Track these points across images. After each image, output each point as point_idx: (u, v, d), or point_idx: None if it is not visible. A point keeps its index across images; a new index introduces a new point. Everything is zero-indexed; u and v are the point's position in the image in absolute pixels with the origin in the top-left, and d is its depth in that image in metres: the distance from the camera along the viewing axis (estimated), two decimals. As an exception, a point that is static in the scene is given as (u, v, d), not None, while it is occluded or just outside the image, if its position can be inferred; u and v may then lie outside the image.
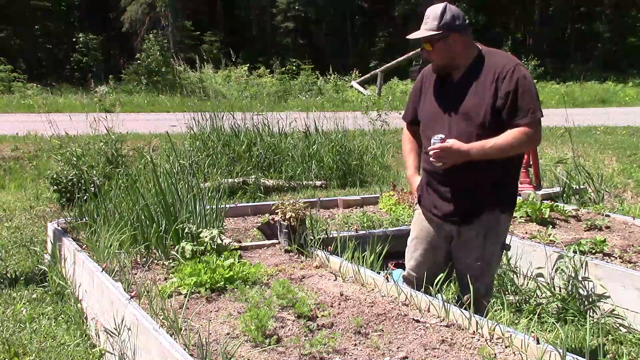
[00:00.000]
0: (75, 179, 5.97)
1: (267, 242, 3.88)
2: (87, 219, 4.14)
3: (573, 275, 3.84)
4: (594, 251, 4.08)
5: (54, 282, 3.96)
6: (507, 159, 2.79)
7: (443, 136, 2.71)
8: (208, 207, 3.94)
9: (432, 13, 2.74)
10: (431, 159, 2.74)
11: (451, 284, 3.57)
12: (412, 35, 2.82)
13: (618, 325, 3.63)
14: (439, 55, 2.79)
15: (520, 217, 4.86)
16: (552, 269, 3.98)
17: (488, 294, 3.06)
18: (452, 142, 2.69)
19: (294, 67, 19.54)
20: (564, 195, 5.91)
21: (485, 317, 2.57)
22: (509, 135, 2.67)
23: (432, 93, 2.91)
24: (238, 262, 3.31)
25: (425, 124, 2.93)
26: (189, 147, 7.42)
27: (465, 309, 2.56)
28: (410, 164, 3.13)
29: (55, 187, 6.06)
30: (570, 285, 3.85)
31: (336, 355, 2.33)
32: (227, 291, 3.01)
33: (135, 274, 3.34)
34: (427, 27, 2.74)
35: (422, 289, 2.90)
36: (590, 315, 3.68)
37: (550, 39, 33.72)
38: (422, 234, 3.04)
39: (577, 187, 6.03)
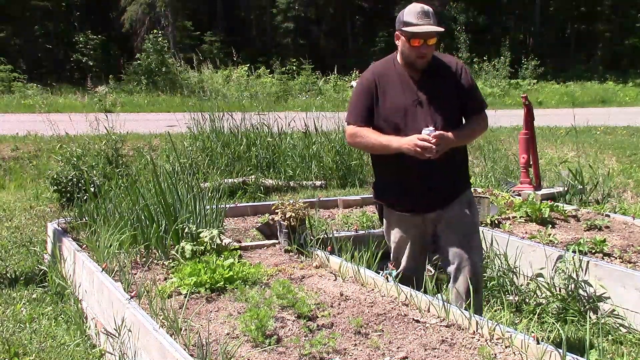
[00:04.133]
0: (75, 179, 5.97)
1: (267, 242, 3.88)
2: (87, 219, 4.14)
3: (573, 275, 3.84)
4: (593, 251, 4.08)
5: (54, 282, 3.96)
6: (465, 145, 3.20)
7: (433, 128, 2.86)
8: (208, 207, 3.94)
9: (430, 10, 2.91)
10: (426, 153, 2.83)
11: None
12: (435, 29, 2.86)
13: (618, 325, 3.63)
14: (433, 50, 2.98)
15: (520, 217, 4.86)
16: (552, 269, 3.98)
17: (481, 276, 3.22)
18: (442, 131, 2.87)
19: (294, 67, 19.54)
20: (566, 195, 5.91)
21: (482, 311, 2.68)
22: (474, 122, 3.07)
23: (397, 89, 2.99)
24: (238, 262, 3.31)
25: (395, 119, 2.98)
26: (188, 147, 7.42)
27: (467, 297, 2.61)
28: (389, 136, 2.96)
29: (55, 187, 6.07)
30: (570, 286, 3.85)
31: (336, 355, 2.33)
32: (227, 291, 3.01)
33: (135, 274, 3.34)
34: (433, 22, 2.88)
35: (422, 285, 2.94)
36: (590, 316, 3.68)
37: (550, 39, 33.71)
38: (407, 234, 3.14)
39: (581, 187, 6.03)
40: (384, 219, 3.25)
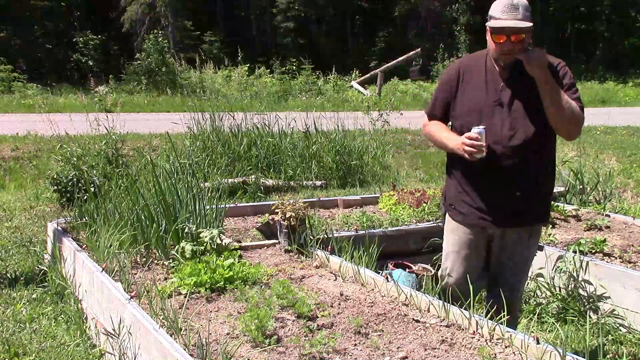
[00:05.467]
0: (75, 179, 5.97)
1: (267, 242, 3.88)
2: (87, 219, 4.14)
3: (573, 275, 3.84)
4: (593, 251, 4.08)
5: (54, 282, 3.96)
6: (552, 162, 2.86)
7: (483, 127, 2.63)
8: (208, 207, 3.94)
9: (522, 2, 2.63)
10: (476, 154, 2.61)
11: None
12: (520, 24, 2.58)
13: (618, 325, 3.63)
14: (524, 47, 2.66)
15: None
16: (552, 269, 3.98)
17: (520, 298, 3.06)
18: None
19: (294, 67, 19.55)
20: (567, 195, 5.92)
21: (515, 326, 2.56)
22: (575, 104, 2.66)
23: (481, 86, 2.77)
24: (238, 262, 3.31)
25: (470, 118, 2.75)
26: (189, 147, 7.42)
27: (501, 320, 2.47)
28: (450, 134, 2.81)
29: (55, 187, 6.06)
30: (570, 285, 3.85)
31: (336, 355, 2.33)
32: (227, 291, 3.01)
33: (135, 274, 3.34)
34: (521, 17, 2.60)
35: (471, 299, 2.70)
36: (590, 316, 3.68)
37: (550, 39, 33.72)
38: (462, 243, 2.93)
39: (581, 187, 6.03)
40: (445, 223, 3.03)
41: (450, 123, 2.93)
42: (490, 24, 2.65)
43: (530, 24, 2.60)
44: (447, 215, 3.00)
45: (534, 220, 2.89)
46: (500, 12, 2.61)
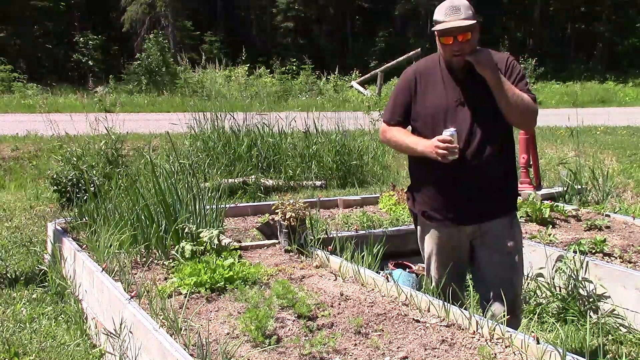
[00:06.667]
0: (75, 179, 5.97)
1: (267, 242, 3.88)
2: (87, 219, 4.14)
3: (573, 275, 3.84)
4: (594, 251, 4.08)
5: (54, 282, 3.97)
6: (513, 154, 2.90)
7: (454, 129, 2.67)
8: (208, 207, 3.95)
9: (462, 3, 2.69)
10: (448, 156, 2.63)
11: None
12: (463, 23, 2.63)
13: (618, 325, 3.64)
14: (472, 45, 2.71)
15: (520, 217, 4.86)
16: (552, 269, 3.98)
17: (520, 296, 3.01)
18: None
19: (294, 67, 19.55)
20: (566, 195, 5.92)
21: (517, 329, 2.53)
22: (527, 96, 2.73)
23: (439, 88, 2.80)
24: (238, 262, 3.31)
25: (434, 119, 2.78)
26: (189, 147, 7.42)
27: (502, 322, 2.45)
28: (416, 138, 2.84)
29: (55, 187, 6.06)
30: (570, 285, 3.85)
31: (336, 355, 2.33)
32: (227, 291, 3.01)
33: (135, 274, 3.34)
34: (464, 16, 2.65)
35: (471, 298, 2.72)
36: (590, 315, 3.68)
37: (550, 39, 33.74)
38: (441, 246, 2.93)
39: (581, 187, 6.03)
40: (418, 227, 3.04)
41: (410, 127, 2.95)
42: (436, 27, 2.71)
43: (474, 22, 2.67)
44: (419, 220, 3.00)
45: (505, 210, 2.91)
46: (444, 14, 2.67)
